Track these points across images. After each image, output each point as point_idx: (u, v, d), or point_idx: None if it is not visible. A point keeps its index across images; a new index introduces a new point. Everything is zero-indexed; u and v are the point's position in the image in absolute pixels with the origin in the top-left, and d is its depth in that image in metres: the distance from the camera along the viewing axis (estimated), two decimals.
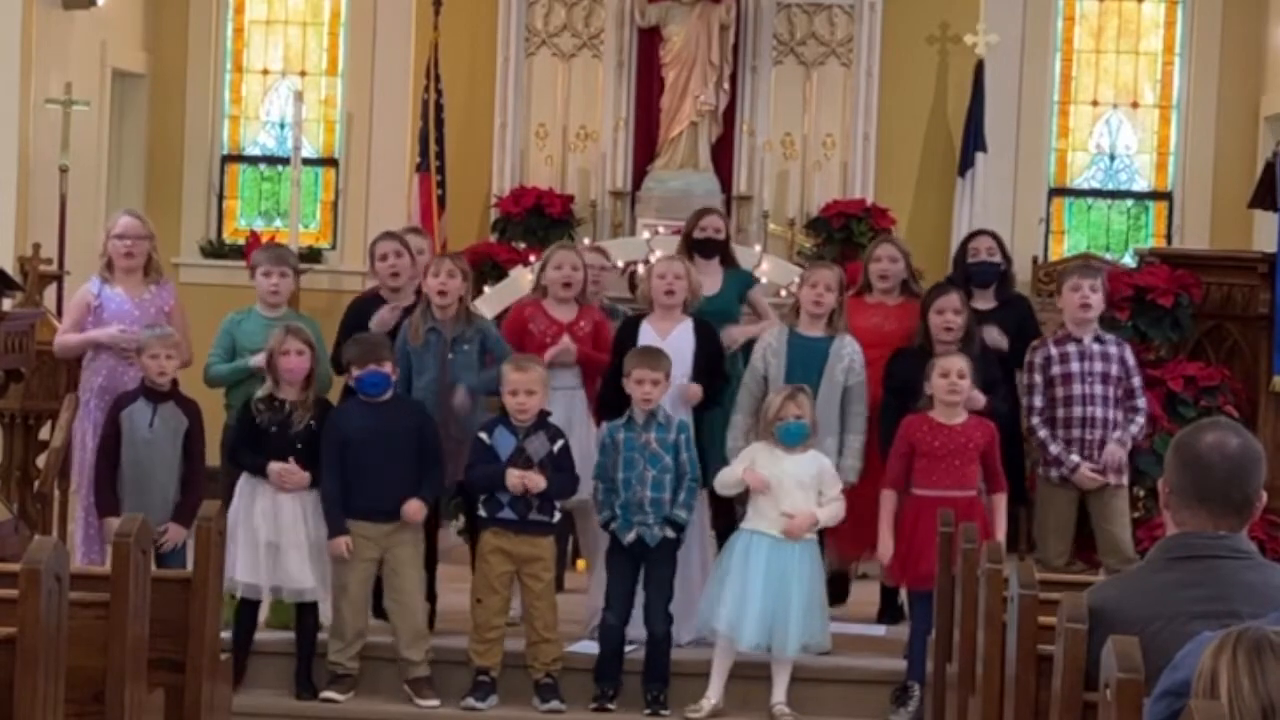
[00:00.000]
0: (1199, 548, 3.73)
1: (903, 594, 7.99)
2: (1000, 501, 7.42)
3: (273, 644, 7.51)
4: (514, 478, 7.24)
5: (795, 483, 7.31)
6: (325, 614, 7.49)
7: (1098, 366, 7.76)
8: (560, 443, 7.40)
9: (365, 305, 8.16)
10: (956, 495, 7.27)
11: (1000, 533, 7.30)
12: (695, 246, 8.45)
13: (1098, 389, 7.75)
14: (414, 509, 7.33)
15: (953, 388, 7.34)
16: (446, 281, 7.78)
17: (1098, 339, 7.82)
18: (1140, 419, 7.81)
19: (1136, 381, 7.87)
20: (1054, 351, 7.83)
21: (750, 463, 7.37)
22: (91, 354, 7.87)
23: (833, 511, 7.37)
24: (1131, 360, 7.88)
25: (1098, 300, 7.82)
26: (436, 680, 7.42)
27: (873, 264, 8.28)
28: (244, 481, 7.37)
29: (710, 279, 8.41)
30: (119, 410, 7.36)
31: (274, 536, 7.25)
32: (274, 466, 7.27)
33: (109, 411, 7.42)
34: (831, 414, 7.65)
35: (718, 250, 8.48)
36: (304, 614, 7.42)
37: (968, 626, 5.66)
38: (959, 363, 7.37)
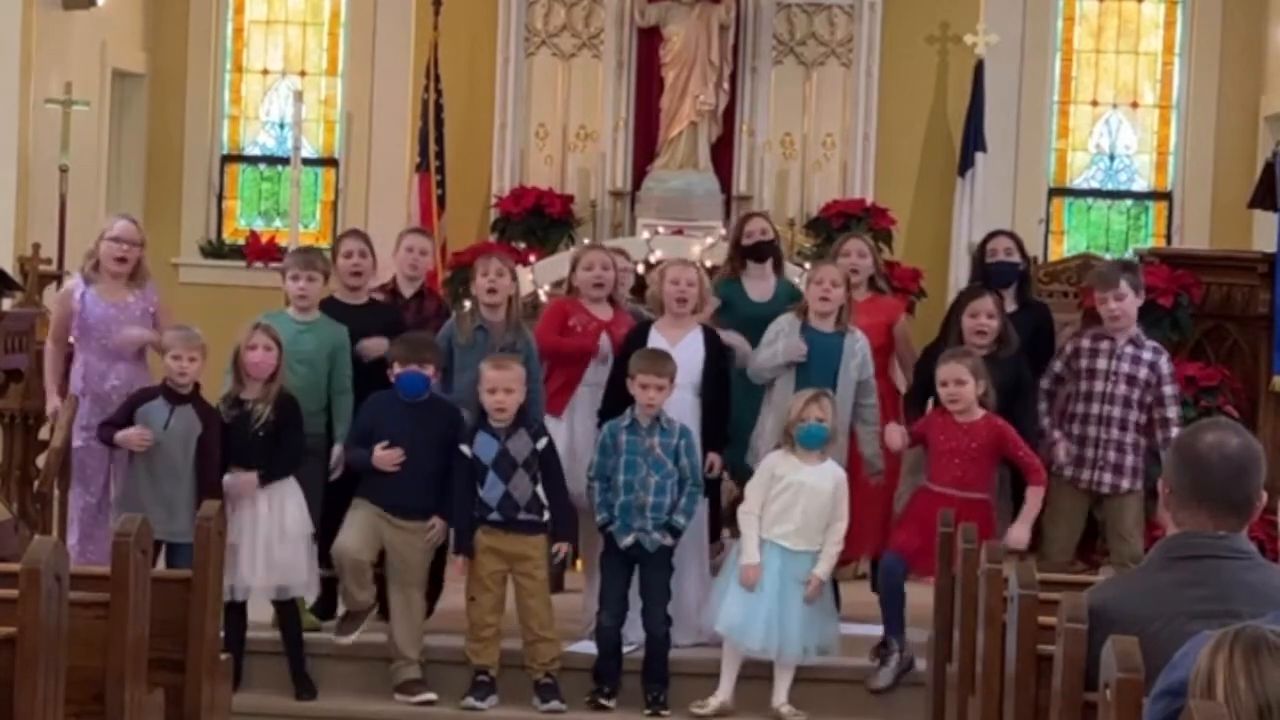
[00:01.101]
0: (1199, 548, 3.73)
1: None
2: (1035, 494, 7.43)
3: (270, 644, 7.49)
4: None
5: (812, 495, 7.30)
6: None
7: (1125, 368, 7.75)
8: (544, 441, 7.38)
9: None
10: (956, 495, 7.30)
11: (1028, 515, 7.37)
12: (747, 253, 8.39)
13: (1120, 389, 7.73)
14: (439, 531, 7.36)
15: (952, 396, 7.37)
16: (496, 280, 7.77)
17: (1133, 342, 7.80)
18: (1169, 433, 7.70)
19: (1167, 390, 7.80)
20: (1086, 344, 7.84)
21: (769, 474, 7.37)
22: (78, 354, 7.86)
23: (831, 551, 7.35)
24: (1166, 369, 7.82)
25: (1122, 307, 7.78)
26: (436, 680, 7.41)
27: (841, 259, 8.24)
28: None
29: (762, 284, 8.37)
30: (135, 405, 7.35)
31: (233, 538, 7.21)
32: (228, 479, 7.24)
33: (126, 402, 7.41)
34: (848, 410, 7.68)
35: (770, 253, 8.45)
36: (286, 615, 7.42)
37: (968, 626, 5.66)
38: (958, 370, 7.38)
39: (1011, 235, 8.46)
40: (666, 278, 7.83)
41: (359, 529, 7.34)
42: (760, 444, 7.70)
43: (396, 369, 7.37)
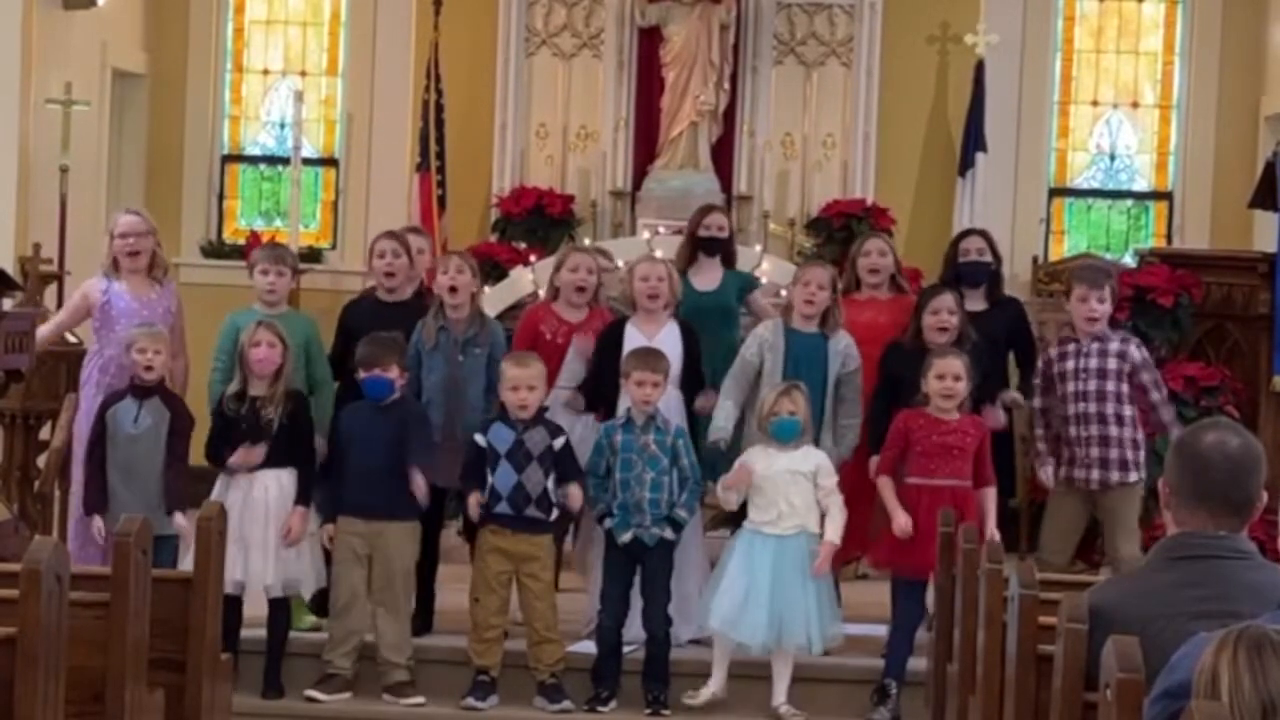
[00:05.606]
0: (1199, 548, 3.73)
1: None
2: (989, 495, 7.45)
3: (262, 643, 7.48)
4: (237, 456, 7.26)
5: (791, 477, 7.31)
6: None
7: (1092, 363, 7.78)
8: (561, 440, 7.39)
9: (358, 307, 8.17)
10: (952, 485, 7.34)
11: (992, 523, 7.34)
12: (700, 245, 8.46)
13: (1091, 385, 7.76)
14: (419, 485, 7.29)
15: (948, 391, 7.38)
16: (456, 278, 7.78)
17: (1098, 339, 7.82)
18: (1162, 411, 7.82)
19: (1145, 378, 7.83)
20: (1054, 353, 7.93)
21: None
22: (95, 347, 7.92)
23: (837, 518, 7.34)
24: (1138, 356, 7.84)
25: (1104, 310, 7.85)
26: (434, 681, 7.42)
27: (862, 258, 8.28)
28: (220, 479, 7.39)
29: (709, 274, 8.43)
30: (106, 409, 7.41)
31: (244, 533, 7.23)
32: (234, 458, 7.27)
33: (98, 410, 7.46)
34: (830, 410, 7.68)
35: (720, 248, 8.49)
36: (274, 612, 7.42)
37: (968, 626, 5.67)
38: (956, 365, 7.40)
39: (983, 234, 8.51)
40: (636, 275, 7.86)
41: (352, 581, 7.34)
42: (746, 446, 7.68)
43: (361, 373, 7.40)
